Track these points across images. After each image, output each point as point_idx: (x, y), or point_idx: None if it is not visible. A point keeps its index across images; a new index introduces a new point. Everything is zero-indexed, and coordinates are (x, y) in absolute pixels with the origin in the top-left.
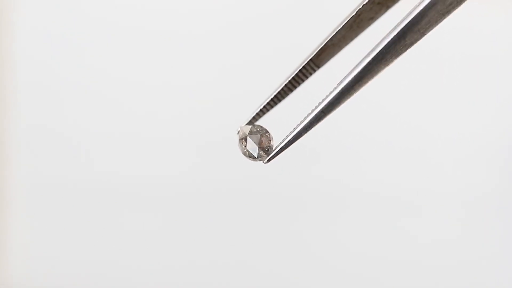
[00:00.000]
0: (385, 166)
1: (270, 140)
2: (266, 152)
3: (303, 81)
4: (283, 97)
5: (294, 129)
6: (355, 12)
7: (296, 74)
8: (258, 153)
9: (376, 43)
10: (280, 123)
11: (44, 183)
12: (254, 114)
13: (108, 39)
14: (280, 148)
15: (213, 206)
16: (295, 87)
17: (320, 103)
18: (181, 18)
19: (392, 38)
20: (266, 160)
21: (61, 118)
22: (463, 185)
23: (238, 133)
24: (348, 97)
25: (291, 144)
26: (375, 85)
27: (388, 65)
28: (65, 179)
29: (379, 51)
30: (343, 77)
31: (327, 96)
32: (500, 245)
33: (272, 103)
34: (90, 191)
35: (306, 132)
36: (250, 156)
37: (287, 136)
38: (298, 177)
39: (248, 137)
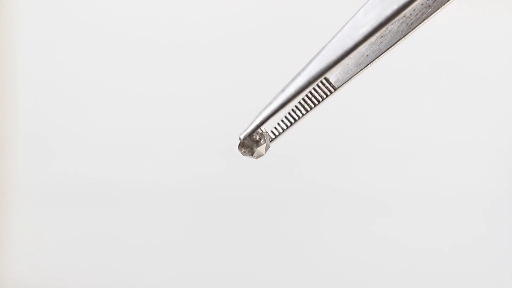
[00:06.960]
0: (374, 167)
1: (258, 136)
2: (258, 143)
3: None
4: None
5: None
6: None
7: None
8: (254, 155)
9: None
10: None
11: (46, 184)
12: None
13: (113, 45)
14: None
15: (197, 208)
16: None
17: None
18: (192, 26)
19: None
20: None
21: (67, 120)
22: (459, 187)
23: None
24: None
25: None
26: (366, 85)
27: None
28: (67, 180)
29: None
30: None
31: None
32: (499, 248)
33: (282, 124)
34: (93, 193)
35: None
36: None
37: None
38: (282, 178)
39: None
